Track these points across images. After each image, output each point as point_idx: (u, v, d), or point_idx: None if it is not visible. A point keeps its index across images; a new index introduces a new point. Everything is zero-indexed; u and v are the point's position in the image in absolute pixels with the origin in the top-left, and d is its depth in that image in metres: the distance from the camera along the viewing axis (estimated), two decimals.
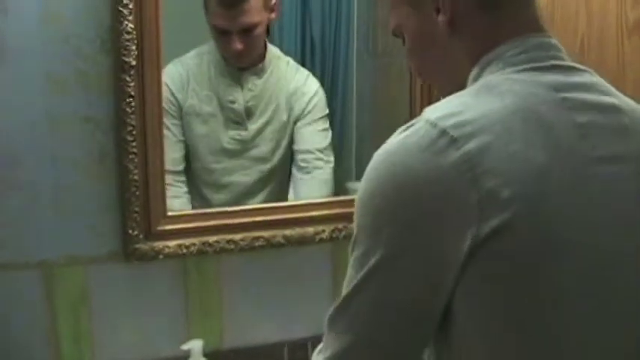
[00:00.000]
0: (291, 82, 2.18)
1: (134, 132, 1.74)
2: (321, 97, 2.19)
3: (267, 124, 2.13)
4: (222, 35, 2.04)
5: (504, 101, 1.02)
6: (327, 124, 2.21)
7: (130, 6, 1.70)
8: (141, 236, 1.78)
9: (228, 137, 2.10)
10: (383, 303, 1.03)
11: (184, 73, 2.06)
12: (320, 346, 1.12)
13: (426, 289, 1.01)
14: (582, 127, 1.04)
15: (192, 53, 2.10)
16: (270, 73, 2.15)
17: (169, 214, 1.82)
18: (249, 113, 2.11)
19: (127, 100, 1.73)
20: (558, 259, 0.99)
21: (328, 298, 2.01)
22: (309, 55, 2.27)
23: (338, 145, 2.23)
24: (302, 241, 1.95)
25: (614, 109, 1.10)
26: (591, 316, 1.03)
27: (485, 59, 1.11)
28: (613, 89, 1.13)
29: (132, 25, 1.71)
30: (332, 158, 2.20)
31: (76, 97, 1.74)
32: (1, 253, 1.72)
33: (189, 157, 2.08)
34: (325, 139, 2.20)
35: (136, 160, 1.75)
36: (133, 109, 1.73)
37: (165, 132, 1.87)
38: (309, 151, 2.19)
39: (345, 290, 1.05)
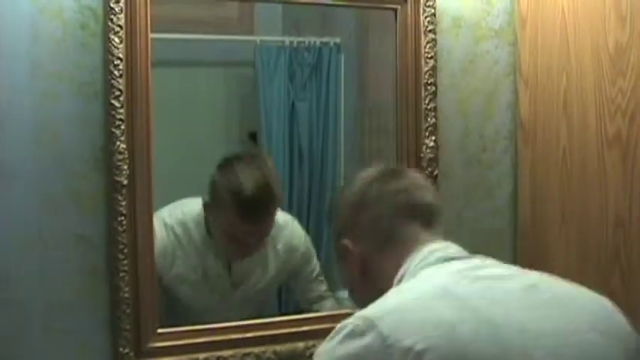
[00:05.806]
0: (280, 241, 2.16)
1: (125, 250, 1.76)
2: (309, 244, 2.21)
3: (255, 284, 2.14)
4: (233, 238, 2.03)
5: (419, 285, 1.25)
6: (318, 268, 2.22)
7: (123, 127, 1.75)
8: (131, 354, 1.78)
9: (215, 300, 2.11)
10: None
11: (170, 245, 2.02)
12: None
13: None
14: (483, 290, 1.22)
15: (175, 220, 2.04)
16: None
17: (160, 331, 1.82)
18: (236, 283, 2.12)
19: (119, 218, 1.76)
20: None
21: None
22: (297, 166, 2.30)
23: (327, 256, 2.24)
24: (292, 357, 1.95)
25: (505, 276, 1.29)
26: None
27: (397, 279, 1.34)
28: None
29: (124, 146, 1.75)
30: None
31: (68, 215, 1.76)
32: None
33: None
34: (323, 283, 2.21)
35: (126, 278, 1.77)
36: (124, 227, 1.76)
37: None
38: (310, 300, 2.21)
39: None
